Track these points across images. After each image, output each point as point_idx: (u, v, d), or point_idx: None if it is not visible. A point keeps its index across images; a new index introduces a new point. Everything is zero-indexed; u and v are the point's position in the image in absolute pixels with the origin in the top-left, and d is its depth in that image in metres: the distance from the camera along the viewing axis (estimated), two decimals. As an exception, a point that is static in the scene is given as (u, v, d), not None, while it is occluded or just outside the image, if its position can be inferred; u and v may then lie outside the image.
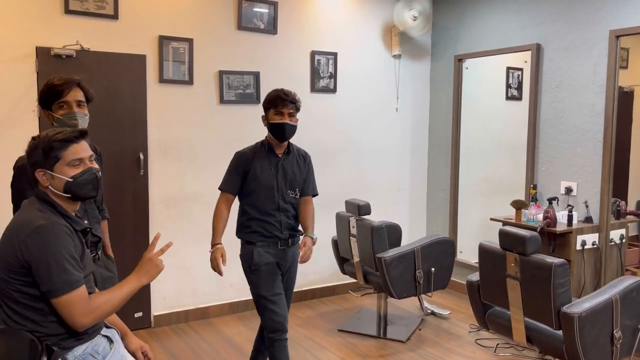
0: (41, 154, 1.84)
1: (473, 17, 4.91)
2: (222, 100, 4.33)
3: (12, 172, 2.45)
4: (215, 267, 2.84)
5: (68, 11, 3.71)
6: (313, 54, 4.71)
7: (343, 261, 4.36)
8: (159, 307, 4.21)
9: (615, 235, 3.92)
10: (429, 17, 5.18)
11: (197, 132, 4.27)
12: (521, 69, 4.59)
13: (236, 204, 3.02)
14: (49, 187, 1.86)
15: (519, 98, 4.61)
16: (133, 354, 2.14)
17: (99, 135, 3.70)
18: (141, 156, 4.02)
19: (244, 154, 2.95)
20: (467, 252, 5.02)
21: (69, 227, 1.85)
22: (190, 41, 4.15)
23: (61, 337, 1.83)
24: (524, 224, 4.00)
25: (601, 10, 3.90)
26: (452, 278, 4.16)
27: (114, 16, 3.86)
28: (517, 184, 4.54)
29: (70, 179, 1.86)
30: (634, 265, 4.00)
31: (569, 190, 4.15)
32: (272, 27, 4.48)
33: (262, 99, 4.50)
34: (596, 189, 3.97)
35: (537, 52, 4.34)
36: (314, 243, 2.99)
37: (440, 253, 3.92)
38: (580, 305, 2.63)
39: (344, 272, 4.39)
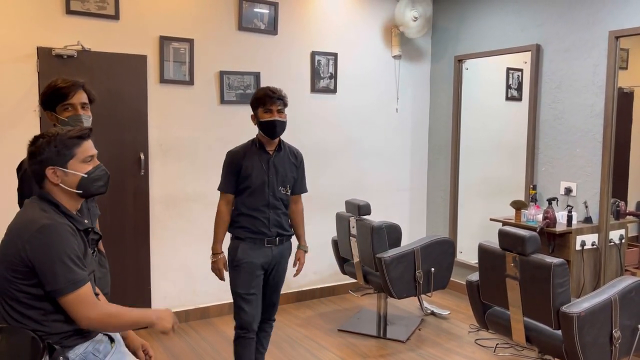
0: (55, 151, 1.86)
1: (473, 17, 4.92)
2: (222, 101, 4.34)
3: (13, 172, 2.46)
4: (219, 276, 3.02)
5: (69, 11, 3.72)
6: (313, 54, 4.72)
7: (343, 261, 4.37)
8: (159, 306, 4.22)
9: (615, 235, 3.92)
10: (429, 18, 5.19)
11: (198, 132, 4.28)
12: (521, 70, 4.60)
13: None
14: (60, 184, 1.88)
15: (519, 99, 4.62)
16: (134, 353, 2.15)
17: (100, 136, 3.70)
18: (142, 156, 4.03)
19: (236, 153, 3.00)
20: (467, 253, 5.03)
21: (72, 226, 1.87)
22: (190, 41, 4.16)
23: (62, 336, 1.84)
24: (524, 224, 4.01)
25: (601, 11, 3.91)
26: (452, 278, 4.16)
27: (115, 16, 3.87)
28: (517, 185, 4.55)
29: (85, 175, 1.90)
30: (634, 266, 4.01)
31: (568, 191, 4.15)
32: (272, 28, 4.49)
33: (262, 99, 4.55)
34: (596, 189, 3.98)
35: (537, 52, 4.35)
36: (305, 253, 3.16)
37: (440, 253, 3.93)
38: (580, 305, 2.64)
39: (344, 272, 4.40)
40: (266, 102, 2.90)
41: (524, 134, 4.49)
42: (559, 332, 2.72)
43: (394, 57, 5.15)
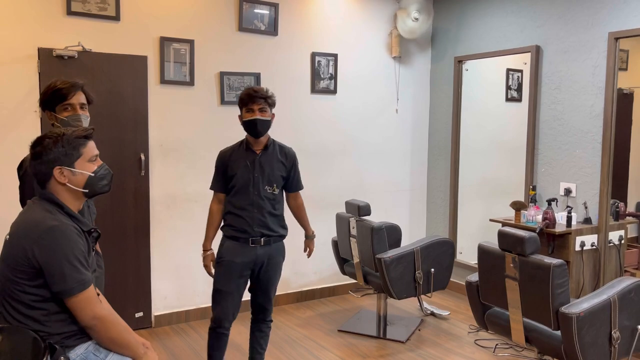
0: (62, 151, 1.88)
1: (473, 18, 4.92)
2: (222, 101, 4.35)
3: (14, 172, 2.47)
4: (208, 272, 3.09)
5: (70, 12, 3.73)
6: (313, 55, 4.73)
7: (343, 262, 4.38)
8: (159, 307, 4.23)
9: (614, 236, 3.93)
10: (430, 19, 5.20)
11: (198, 133, 4.29)
12: (521, 71, 4.60)
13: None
14: (67, 184, 1.89)
15: (519, 99, 4.62)
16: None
17: (101, 136, 3.73)
18: (142, 157, 4.04)
19: (224, 152, 3.08)
20: (467, 253, 5.03)
21: (77, 227, 1.88)
22: (191, 42, 4.17)
23: (64, 336, 1.85)
24: (523, 225, 4.02)
25: (600, 12, 3.92)
26: (451, 279, 4.18)
27: (116, 17, 3.88)
28: (517, 185, 4.56)
29: (92, 174, 1.93)
30: (633, 266, 4.01)
31: (568, 192, 4.16)
32: (272, 29, 4.50)
33: (263, 100, 4.56)
34: (595, 190, 3.98)
35: (537, 53, 4.36)
36: (314, 236, 3.35)
37: (440, 254, 3.94)
38: (579, 306, 2.64)
39: (344, 272, 4.40)
40: (248, 102, 2.94)
41: (524, 135, 4.50)
42: (558, 332, 2.73)
43: (394, 58, 5.16)
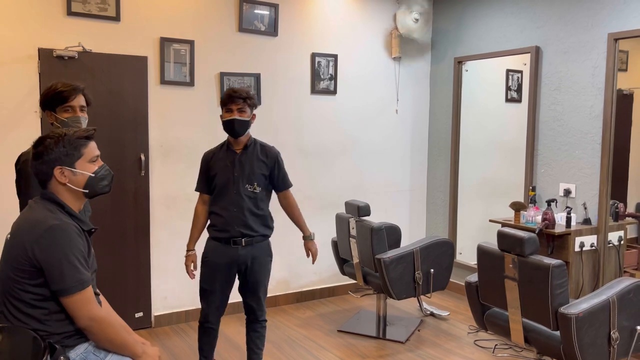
0: (63, 151, 1.89)
1: (473, 19, 4.93)
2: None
3: (14, 171, 2.48)
4: (188, 273, 3.14)
5: (70, 13, 3.73)
6: (313, 55, 4.73)
7: (343, 262, 4.38)
8: (159, 307, 4.23)
9: (614, 237, 3.93)
10: (430, 20, 5.21)
11: (198, 133, 4.30)
12: (521, 72, 4.61)
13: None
14: (67, 184, 1.90)
15: (519, 100, 4.63)
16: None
17: (101, 136, 3.73)
18: (142, 157, 4.05)
19: (206, 154, 3.15)
20: (467, 254, 5.04)
21: (78, 227, 1.89)
22: (191, 43, 4.18)
23: (64, 336, 1.85)
24: (523, 225, 4.02)
25: (600, 13, 3.93)
26: (451, 279, 4.18)
27: (116, 18, 3.88)
28: (516, 186, 4.56)
29: (92, 175, 1.94)
30: (632, 267, 4.01)
31: (567, 192, 4.17)
32: (272, 29, 4.51)
33: (263, 100, 4.58)
34: (595, 191, 3.99)
35: (537, 54, 4.36)
36: (313, 240, 3.24)
37: (439, 254, 3.94)
38: (578, 306, 2.65)
39: (343, 273, 4.41)
40: (227, 102, 2.98)
41: (524, 136, 4.50)
42: (558, 333, 2.73)
43: (394, 58, 5.17)
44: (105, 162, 2.08)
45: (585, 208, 4.01)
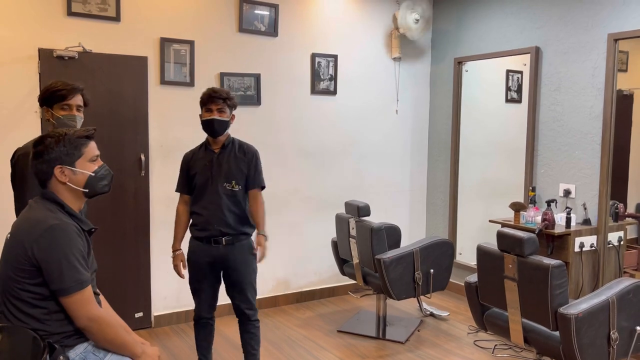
0: (64, 150, 1.90)
1: (473, 19, 4.93)
2: (223, 102, 4.35)
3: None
4: (177, 273, 3.14)
5: (70, 13, 3.74)
6: (313, 56, 4.74)
7: (343, 262, 4.39)
8: (159, 307, 4.23)
9: (614, 237, 3.93)
10: (430, 20, 5.21)
11: (198, 134, 4.25)
12: (521, 72, 4.61)
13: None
14: (67, 183, 1.91)
15: (519, 101, 4.63)
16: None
17: (101, 136, 3.73)
18: (142, 157, 4.05)
19: (187, 154, 3.18)
20: (467, 254, 5.04)
21: (78, 227, 1.89)
22: (191, 43, 4.18)
23: (64, 335, 1.86)
24: (523, 226, 4.02)
25: (600, 14, 3.93)
26: (451, 279, 4.18)
27: (116, 18, 3.89)
28: (516, 186, 4.56)
29: (92, 174, 1.95)
30: (632, 267, 4.01)
31: (567, 193, 4.17)
32: (272, 30, 4.51)
33: (263, 101, 4.58)
34: (594, 191, 3.99)
35: (537, 55, 4.36)
36: (266, 239, 3.10)
37: (439, 254, 3.94)
38: (577, 307, 2.65)
39: (343, 273, 4.41)
40: (207, 102, 3.01)
41: (524, 136, 4.50)
42: (557, 333, 2.73)
43: (394, 59, 5.17)
44: (105, 162, 2.09)
45: (585, 208, 4.01)
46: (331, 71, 4.83)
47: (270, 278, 4.71)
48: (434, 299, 4.88)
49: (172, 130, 4.19)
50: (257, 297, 4.59)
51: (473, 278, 3.20)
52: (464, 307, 4.65)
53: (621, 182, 4.00)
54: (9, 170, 2.56)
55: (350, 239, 4.09)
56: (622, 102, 3.91)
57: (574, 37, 4.12)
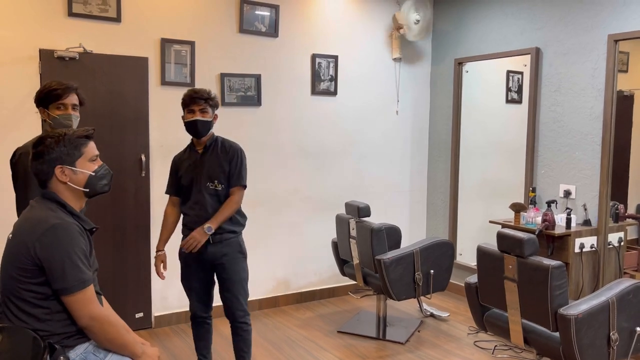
0: (64, 150, 1.91)
1: (473, 20, 4.93)
2: (223, 103, 4.36)
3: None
4: (157, 273, 3.16)
5: (71, 14, 3.74)
6: (314, 56, 4.74)
7: (343, 263, 4.39)
8: (159, 307, 4.24)
9: (614, 238, 3.93)
10: (430, 21, 5.21)
11: (199, 134, 4.30)
12: (521, 73, 4.61)
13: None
14: (68, 182, 1.91)
15: (519, 101, 4.63)
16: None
17: (101, 137, 3.74)
18: (143, 158, 4.05)
19: (175, 157, 3.22)
20: (467, 255, 5.04)
21: (79, 226, 1.90)
22: (192, 44, 4.19)
23: (64, 336, 1.86)
24: (523, 226, 4.02)
25: (600, 14, 3.93)
26: (451, 280, 4.18)
27: (117, 19, 3.89)
28: (516, 187, 4.56)
29: (92, 173, 1.97)
30: (633, 268, 4.01)
31: (567, 194, 4.17)
32: (273, 30, 4.51)
33: (264, 101, 4.59)
34: (595, 192, 3.99)
35: (537, 55, 4.37)
36: (205, 233, 2.94)
37: (439, 255, 3.94)
38: (577, 307, 2.65)
39: (343, 273, 4.41)
40: (189, 103, 3.01)
41: (524, 137, 4.50)
42: (557, 334, 2.73)
43: (394, 59, 5.17)
44: (106, 162, 2.09)
45: (585, 209, 4.01)
46: (331, 72, 4.84)
47: (270, 278, 4.72)
48: (434, 299, 4.89)
49: (173, 130, 4.19)
50: (258, 297, 4.64)
51: (473, 279, 3.20)
52: (464, 308, 4.65)
53: (621, 183, 4.00)
54: (9, 170, 2.57)
55: (350, 239, 4.10)
56: (622, 103, 3.91)
57: (574, 38, 4.12)
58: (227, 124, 4.38)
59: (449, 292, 5.10)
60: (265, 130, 4.57)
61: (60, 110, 2.55)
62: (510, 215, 4.25)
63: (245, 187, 3.09)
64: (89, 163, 1.97)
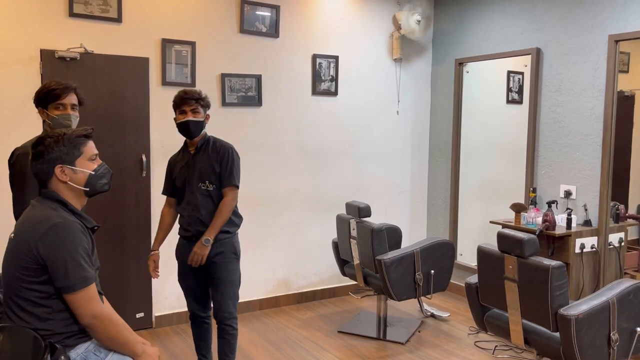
0: (64, 150, 1.91)
1: (474, 21, 4.93)
2: (224, 103, 4.36)
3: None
4: (150, 272, 3.19)
5: (72, 14, 3.75)
6: (314, 57, 4.74)
7: (343, 263, 4.39)
8: (160, 307, 4.24)
9: (614, 238, 3.93)
10: (430, 21, 5.21)
11: (199, 134, 4.30)
12: (522, 73, 4.61)
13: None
14: (68, 182, 1.92)
15: (520, 102, 4.63)
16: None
17: (102, 137, 3.75)
18: (143, 158, 4.06)
19: (171, 158, 3.23)
20: (467, 255, 5.04)
21: (81, 224, 1.91)
22: (192, 44, 4.19)
23: (65, 335, 1.86)
24: (523, 227, 4.02)
25: (600, 15, 3.93)
26: (452, 280, 4.18)
27: (118, 19, 3.90)
28: (517, 187, 4.56)
29: (92, 172, 1.97)
30: (633, 269, 4.01)
31: (568, 194, 4.17)
32: (274, 31, 4.52)
33: (264, 101, 4.59)
34: (595, 192, 3.99)
35: (537, 56, 4.37)
36: (205, 246, 2.93)
37: (440, 255, 3.94)
38: (578, 308, 2.65)
39: (344, 274, 4.41)
40: (180, 104, 3.01)
41: (524, 137, 4.50)
42: (557, 334, 2.73)
43: (395, 60, 5.17)
44: (107, 162, 2.10)
45: (586, 209, 4.01)
46: (332, 72, 4.84)
47: (270, 278, 4.72)
48: (434, 299, 4.89)
49: (173, 131, 4.15)
50: (258, 297, 4.65)
51: (473, 279, 3.20)
52: (465, 308, 4.65)
53: (622, 183, 4.00)
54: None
55: (350, 239, 4.10)
56: (623, 103, 3.91)
57: (574, 38, 4.12)
58: (227, 124, 4.39)
59: (450, 293, 5.10)
60: (265, 131, 4.58)
61: (59, 110, 2.55)
62: (510, 215, 4.25)
63: (237, 187, 3.04)
64: (88, 162, 1.98)
